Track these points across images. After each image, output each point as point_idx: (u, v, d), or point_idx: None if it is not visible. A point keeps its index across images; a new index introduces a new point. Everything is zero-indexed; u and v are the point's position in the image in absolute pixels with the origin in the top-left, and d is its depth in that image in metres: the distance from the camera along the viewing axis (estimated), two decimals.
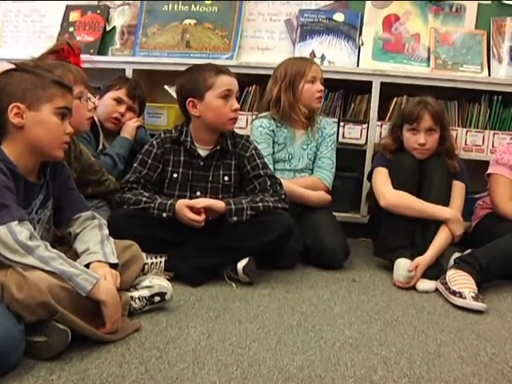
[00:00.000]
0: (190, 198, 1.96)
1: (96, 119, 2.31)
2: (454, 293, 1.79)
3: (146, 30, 3.00)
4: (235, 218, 1.86)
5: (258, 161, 2.04)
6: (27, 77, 1.39)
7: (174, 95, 2.22)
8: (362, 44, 2.86)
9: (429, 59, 2.79)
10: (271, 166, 2.20)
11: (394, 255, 2.06)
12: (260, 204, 1.90)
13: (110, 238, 1.53)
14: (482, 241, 1.99)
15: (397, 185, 2.13)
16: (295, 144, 2.36)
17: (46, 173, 1.47)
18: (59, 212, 1.54)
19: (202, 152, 2.02)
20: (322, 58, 2.84)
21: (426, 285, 1.94)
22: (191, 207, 1.85)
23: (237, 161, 2.04)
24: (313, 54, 2.85)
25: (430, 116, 2.13)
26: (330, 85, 2.55)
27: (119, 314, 1.38)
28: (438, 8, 2.87)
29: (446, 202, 2.10)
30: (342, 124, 2.66)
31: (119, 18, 3.09)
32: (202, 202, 1.87)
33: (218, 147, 2.01)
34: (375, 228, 2.26)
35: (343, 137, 2.65)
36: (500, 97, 2.62)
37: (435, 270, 1.98)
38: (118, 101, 2.38)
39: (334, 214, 2.39)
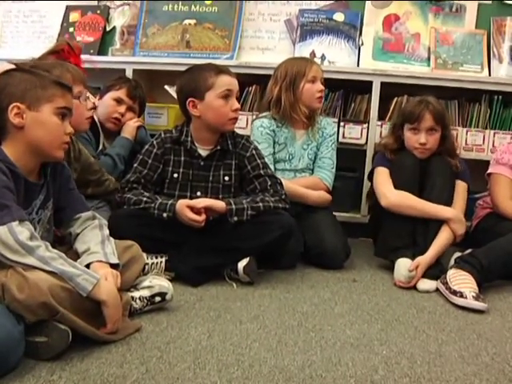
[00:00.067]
0: (191, 198, 1.96)
1: (96, 119, 2.31)
2: (454, 292, 1.79)
3: (146, 30, 3.00)
4: (236, 218, 1.86)
5: (259, 161, 2.03)
6: (27, 77, 1.39)
7: (174, 95, 2.22)
8: (362, 44, 2.85)
9: (429, 59, 2.79)
10: (272, 166, 2.19)
11: (394, 256, 2.06)
12: (260, 204, 1.90)
13: (111, 238, 1.53)
14: (483, 240, 1.99)
15: (398, 184, 2.13)
16: (296, 144, 2.36)
17: (46, 173, 1.47)
18: (60, 212, 1.54)
19: (203, 152, 2.02)
20: (322, 57, 2.84)
21: (426, 284, 1.94)
22: (192, 207, 1.84)
23: (237, 161, 2.04)
24: (313, 54, 2.85)
25: (431, 116, 2.13)
26: (331, 85, 2.54)
27: (120, 314, 1.37)
28: (438, 8, 2.87)
29: (448, 201, 2.10)
30: (342, 124, 2.66)
31: (119, 18, 3.09)
32: (202, 202, 1.87)
33: (219, 147, 2.01)
34: (376, 228, 2.26)
35: (343, 137, 2.65)
36: (500, 96, 2.62)
37: (436, 270, 1.98)
38: (118, 101, 2.38)
39: (334, 213, 2.39)
